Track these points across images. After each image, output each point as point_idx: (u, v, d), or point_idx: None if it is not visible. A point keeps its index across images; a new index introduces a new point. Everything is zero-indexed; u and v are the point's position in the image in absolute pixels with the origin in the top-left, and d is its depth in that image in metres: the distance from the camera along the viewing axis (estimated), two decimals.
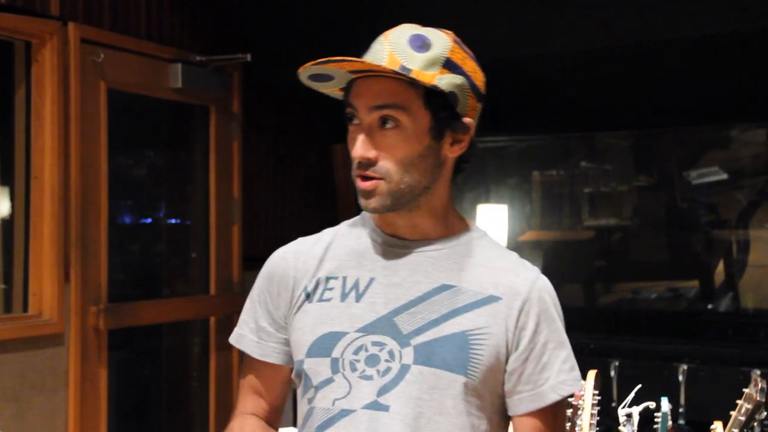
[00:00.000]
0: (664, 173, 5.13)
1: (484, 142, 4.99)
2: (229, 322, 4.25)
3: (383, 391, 1.42)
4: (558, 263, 5.15)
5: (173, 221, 4.60)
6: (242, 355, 1.61)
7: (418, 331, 1.44)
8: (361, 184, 1.45)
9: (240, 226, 4.44)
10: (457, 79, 1.44)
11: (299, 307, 1.52)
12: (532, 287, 1.48)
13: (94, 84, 3.69)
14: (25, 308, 3.53)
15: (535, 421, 1.48)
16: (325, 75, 1.46)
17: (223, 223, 4.38)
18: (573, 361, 1.51)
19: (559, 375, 1.48)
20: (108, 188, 3.76)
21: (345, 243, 1.55)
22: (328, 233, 1.59)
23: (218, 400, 4.29)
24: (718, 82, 4.42)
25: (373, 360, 1.44)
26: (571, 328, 1.54)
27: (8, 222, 3.63)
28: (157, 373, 4.52)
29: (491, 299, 1.46)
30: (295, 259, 1.55)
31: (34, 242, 3.52)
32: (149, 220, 4.59)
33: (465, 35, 1.50)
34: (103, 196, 3.73)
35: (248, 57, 4.17)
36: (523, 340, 1.46)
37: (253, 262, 4.40)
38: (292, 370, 1.55)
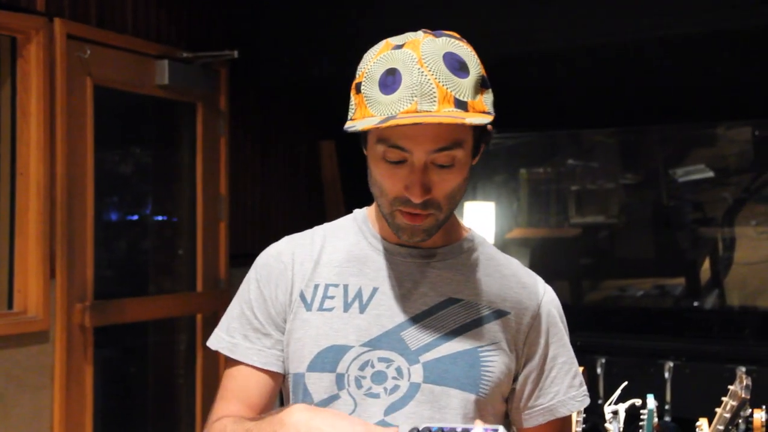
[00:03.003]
0: (651, 171, 5.15)
1: None
2: (216, 319, 4.22)
3: (391, 410, 1.38)
4: (545, 261, 5.16)
5: (160, 218, 4.58)
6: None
7: (427, 347, 1.40)
8: (412, 222, 1.36)
9: (227, 223, 4.43)
10: (491, 94, 1.38)
11: (296, 314, 1.44)
12: (540, 302, 1.47)
13: (80, 80, 3.68)
14: (10, 305, 3.51)
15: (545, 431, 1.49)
16: None
17: (210, 220, 4.37)
18: (581, 377, 1.51)
19: (569, 390, 1.48)
20: (94, 185, 3.74)
21: (342, 247, 1.48)
22: (318, 234, 1.52)
23: (204, 397, 4.28)
24: (704, 80, 4.44)
25: (379, 377, 1.39)
26: None
27: None
28: (143, 370, 4.50)
29: (500, 314, 1.44)
30: (291, 260, 1.48)
31: (19, 239, 3.50)
32: (136, 217, 4.57)
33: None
34: (89, 192, 3.72)
35: (235, 54, 4.16)
36: (533, 355, 1.45)
37: (240, 259, 4.42)
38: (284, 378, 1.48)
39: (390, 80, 1.31)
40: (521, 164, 5.34)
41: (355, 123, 1.34)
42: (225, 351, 1.49)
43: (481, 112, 1.33)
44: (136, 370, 4.50)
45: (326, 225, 1.55)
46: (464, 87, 1.32)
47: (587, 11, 3.74)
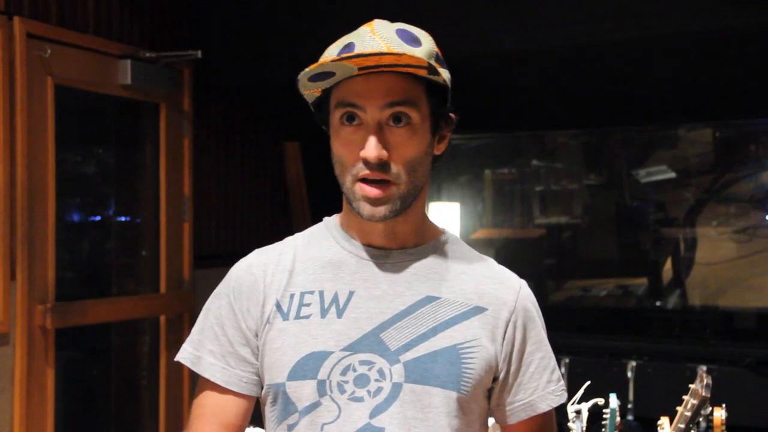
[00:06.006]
0: (614, 172, 5.20)
1: None
2: (179, 321, 4.22)
3: (376, 412, 1.37)
4: (509, 261, 5.19)
5: (123, 219, 4.54)
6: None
7: (407, 347, 1.38)
8: (371, 191, 1.36)
9: (191, 224, 4.40)
10: (447, 73, 1.41)
11: (272, 325, 1.42)
12: (517, 297, 1.47)
13: (40, 80, 3.63)
14: None
15: (528, 428, 1.49)
16: (327, 72, 1.35)
17: (174, 221, 4.34)
18: (558, 372, 1.52)
19: (548, 385, 1.49)
20: (56, 185, 3.70)
21: (314, 254, 1.46)
22: (290, 244, 1.50)
23: (168, 399, 4.25)
24: (665, 82, 4.48)
25: (362, 380, 1.37)
26: None
27: None
28: (106, 372, 4.45)
29: (477, 310, 1.43)
30: (262, 272, 1.45)
31: None
32: (98, 218, 4.53)
33: None
34: (50, 193, 3.68)
35: (198, 53, 4.14)
36: (512, 351, 1.45)
37: (204, 260, 4.39)
38: (254, 399, 1.46)
39: (344, 51, 1.35)
40: (486, 165, 5.37)
41: (309, 70, 1.34)
42: (188, 363, 1.48)
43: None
44: (99, 372, 4.45)
45: (297, 235, 1.53)
46: (416, 53, 1.34)
47: (550, 12, 3.76)
